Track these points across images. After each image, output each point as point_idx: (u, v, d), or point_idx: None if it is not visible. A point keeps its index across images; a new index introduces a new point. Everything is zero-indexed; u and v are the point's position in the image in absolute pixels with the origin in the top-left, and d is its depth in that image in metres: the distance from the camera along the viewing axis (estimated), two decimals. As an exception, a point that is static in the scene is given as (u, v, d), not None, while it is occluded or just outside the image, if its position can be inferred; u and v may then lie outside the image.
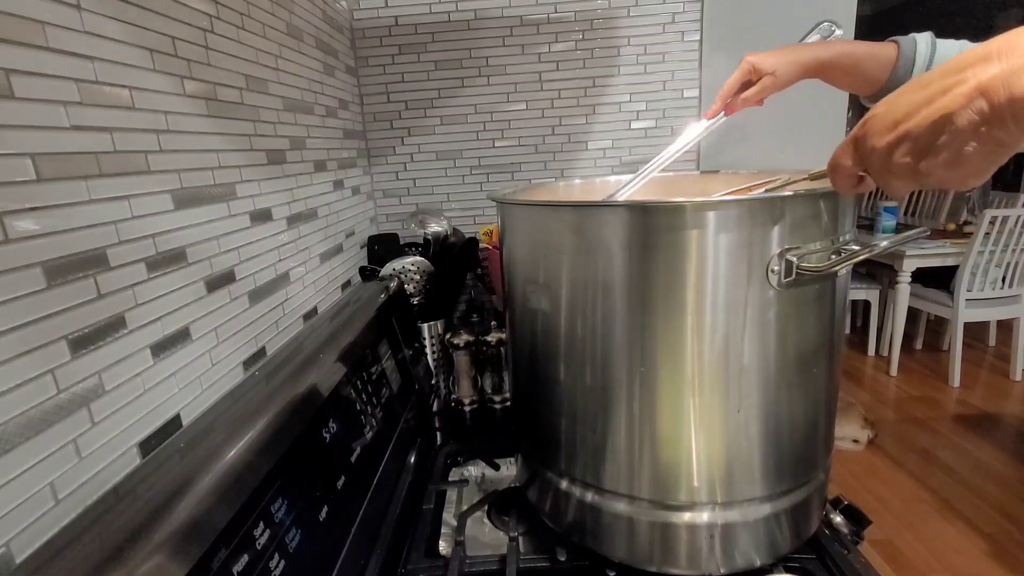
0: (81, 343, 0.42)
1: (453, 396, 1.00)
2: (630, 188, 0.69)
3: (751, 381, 0.51)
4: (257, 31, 0.76)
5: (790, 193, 0.49)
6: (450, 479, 0.84)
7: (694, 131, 0.68)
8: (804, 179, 0.48)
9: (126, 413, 0.46)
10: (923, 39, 0.61)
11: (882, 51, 0.62)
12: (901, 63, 0.61)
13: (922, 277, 2.72)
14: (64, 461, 0.39)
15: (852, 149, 0.37)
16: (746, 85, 0.65)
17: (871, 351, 3.08)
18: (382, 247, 1.24)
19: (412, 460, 0.81)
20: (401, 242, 1.28)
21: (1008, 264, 2.54)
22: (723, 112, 0.67)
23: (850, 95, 1.45)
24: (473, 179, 1.44)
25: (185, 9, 0.59)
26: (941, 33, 0.61)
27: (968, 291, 2.54)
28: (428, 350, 1.06)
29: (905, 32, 0.63)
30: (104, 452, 0.43)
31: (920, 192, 3.48)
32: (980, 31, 3.96)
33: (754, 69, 0.64)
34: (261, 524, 0.42)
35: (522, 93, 1.39)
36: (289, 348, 0.70)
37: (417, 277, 1.11)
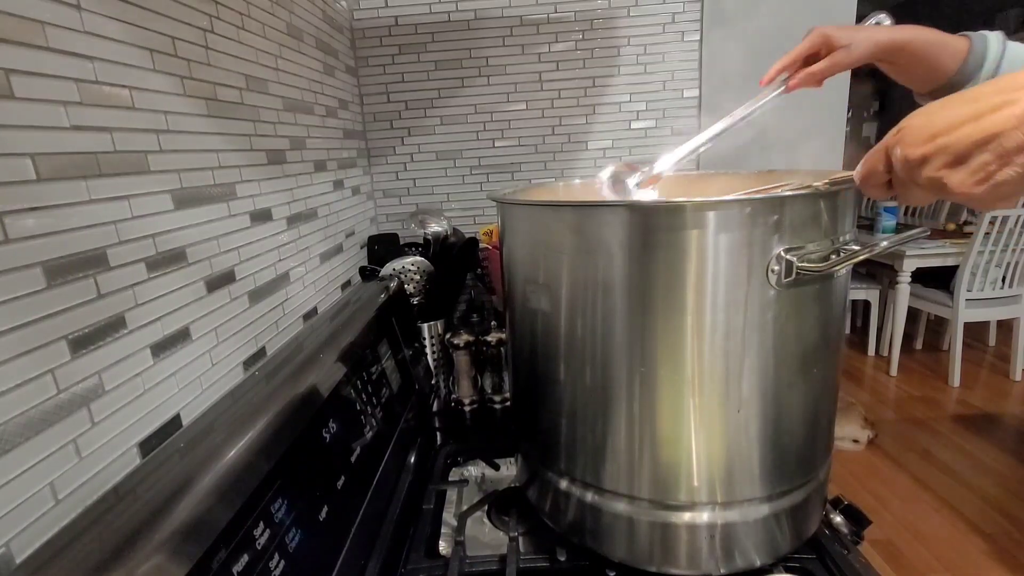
0: (81, 343, 0.42)
1: (453, 396, 1.00)
2: (677, 158, 0.66)
3: (751, 381, 0.51)
4: (257, 31, 0.76)
5: (789, 193, 0.49)
6: (450, 479, 0.84)
7: (743, 108, 0.63)
8: (824, 183, 0.48)
9: (126, 413, 0.46)
10: (995, 37, 0.58)
11: (953, 42, 0.59)
12: (971, 58, 0.58)
13: (922, 277, 2.72)
14: (64, 461, 0.39)
15: (884, 156, 0.37)
16: (810, 60, 0.61)
17: (871, 351, 3.08)
18: (382, 247, 1.24)
19: (412, 460, 0.81)
20: (401, 242, 1.28)
21: (1008, 264, 2.54)
22: (782, 87, 0.62)
23: (849, 98, 1.45)
24: (473, 179, 1.44)
25: (185, 9, 0.59)
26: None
27: (968, 291, 2.54)
28: (428, 350, 1.06)
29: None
30: (104, 452, 0.43)
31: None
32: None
33: (826, 41, 0.60)
34: (261, 524, 0.42)
35: (522, 93, 1.39)
36: (289, 348, 0.70)
37: (417, 277, 1.11)
